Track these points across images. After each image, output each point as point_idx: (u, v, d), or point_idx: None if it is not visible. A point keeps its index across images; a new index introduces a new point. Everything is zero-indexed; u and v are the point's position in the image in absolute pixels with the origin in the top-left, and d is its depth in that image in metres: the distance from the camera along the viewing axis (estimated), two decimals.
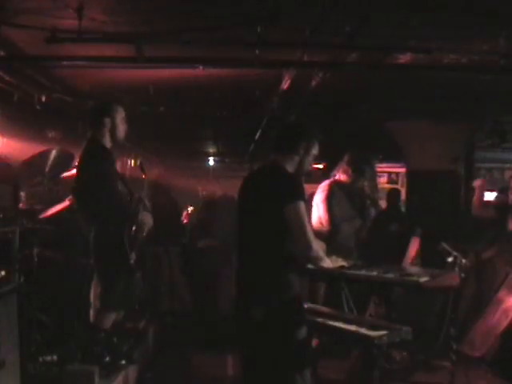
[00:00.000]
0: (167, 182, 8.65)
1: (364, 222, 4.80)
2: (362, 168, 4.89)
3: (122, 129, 4.11)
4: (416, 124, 7.31)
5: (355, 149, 5.14)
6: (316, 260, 3.03)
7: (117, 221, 3.94)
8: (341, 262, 3.52)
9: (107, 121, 4.02)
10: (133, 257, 4.03)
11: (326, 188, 4.84)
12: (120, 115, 4.10)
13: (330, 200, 4.73)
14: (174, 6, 3.90)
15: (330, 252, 4.57)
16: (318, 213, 4.87)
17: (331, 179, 4.96)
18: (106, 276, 4.04)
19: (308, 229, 2.90)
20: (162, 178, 8.56)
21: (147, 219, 4.16)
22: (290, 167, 3.09)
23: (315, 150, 3.19)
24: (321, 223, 4.81)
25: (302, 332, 2.95)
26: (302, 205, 2.90)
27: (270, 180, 3.03)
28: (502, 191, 5.94)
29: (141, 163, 4.78)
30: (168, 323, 6.73)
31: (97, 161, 3.88)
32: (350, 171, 4.88)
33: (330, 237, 4.66)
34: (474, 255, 5.79)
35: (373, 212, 4.85)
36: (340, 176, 4.91)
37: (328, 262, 3.16)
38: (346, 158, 4.96)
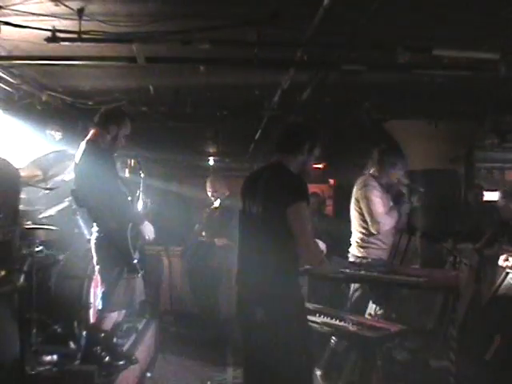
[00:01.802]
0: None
1: (400, 215, 4.68)
2: (392, 161, 4.80)
3: (120, 143, 4.14)
4: (416, 124, 7.30)
5: (383, 145, 5.04)
6: (315, 262, 3.03)
7: (119, 221, 3.95)
8: (343, 265, 3.53)
9: (112, 128, 4.05)
10: (136, 256, 4.05)
11: (368, 182, 4.73)
12: (125, 130, 4.14)
13: (374, 192, 4.64)
14: (174, 6, 3.90)
15: (372, 248, 4.59)
16: (359, 208, 4.71)
17: (366, 175, 4.85)
18: (108, 276, 4.04)
19: (308, 230, 2.90)
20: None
21: (149, 231, 4.17)
22: (294, 167, 3.08)
23: (317, 152, 3.20)
24: (363, 220, 4.69)
25: (305, 331, 2.95)
26: (304, 206, 2.90)
27: (274, 180, 3.02)
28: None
29: (139, 162, 4.76)
30: (168, 323, 6.74)
31: (97, 161, 3.88)
32: (380, 166, 4.78)
33: (376, 231, 4.55)
34: (476, 253, 5.80)
35: (406, 204, 4.72)
36: (373, 171, 4.82)
37: (327, 264, 3.16)
38: (374, 154, 4.87)
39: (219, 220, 6.52)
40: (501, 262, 5.23)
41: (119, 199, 3.95)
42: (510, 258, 5.22)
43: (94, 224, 4.07)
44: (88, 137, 4.09)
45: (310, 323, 3.20)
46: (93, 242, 4.07)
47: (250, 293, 3.03)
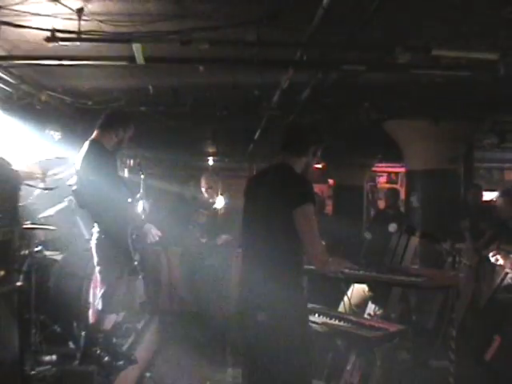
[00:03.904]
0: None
1: None
2: None
3: (124, 145, 4.17)
4: (416, 124, 7.31)
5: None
6: (320, 263, 3.02)
7: (120, 222, 3.95)
8: (343, 267, 3.52)
9: (119, 131, 4.06)
10: (137, 257, 4.04)
11: None
12: (129, 133, 4.17)
13: None
14: (174, 6, 3.90)
15: None
16: None
17: None
18: (108, 277, 4.04)
19: (316, 231, 2.90)
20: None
21: (152, 233, 4.17)
22: (298, 169, 3.08)
23: (319, 154, 3.21)
24: None
25: (308, 330, 2.96)
26: (311, 208, 2.90)
27: (281, 181, 3.01)
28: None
29: (139, 163, 4.74)
30: (168, 323, 6.73)
31: (100, 161, 3.88)
32: None
33: None
34: (475, 253, 5.80)
35: None
36: None
37: (330, 267, 3.15)
38: None
39: (221, 223, 6.57)
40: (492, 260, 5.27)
41: (120, 200, 3.95)
42: (498, 257, 5.26)
43: (95, 225, 4.06)
44: (93, 137, 4.08)
45: (311, 324, 3.20)
46: (93, 242, 4.06)
47: (252, 294, 3.02)
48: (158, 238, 4.21)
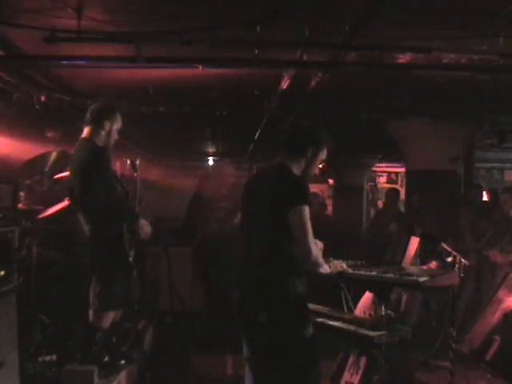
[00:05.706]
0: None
1: None
2: None
3: (113, 137, 4.13)
4: (416, 124, 7.31)
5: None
6: (315, 265, 3.01)
7: (114, 219, 3.95)
8: (340, 267, 3.51)
9: (107, 124, 4.04)
10: (131, 254, 4.04)
11: None
12: (118, 124, 4.12)
13: None
14: (174, 6, 3.90)
15: None
16: None
17: None
18: (104, 275, 4.03)
19: (310, 233, 2.88)
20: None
21: (146, 229, 4.15)
22: (297, 170, 3.06)
23: (323, 155, 3.16)
24: None
25: (309, 330, 2.95)
26: (306, 209, 2.88)
27: (276, 181, 3.00)
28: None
29: (132, 162, 4.66)
30: (168, 323, 6.72)
31: (93, 160, 3.88)
32: None
33: None
34: (475, 253, 5.81)
35: None
36: None
37: (326, 268, 3.14)
38: None
39: None
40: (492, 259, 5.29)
41: (114, 197, 3.94)
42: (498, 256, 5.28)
43: (90, 222, 4.06)
44: (83, 135, 4.09)
45: (311, 324, 3.19)
46: (88, 240, 4.06)
47: (251, 294, 3.02)
48: (148, 235, 4.18)
